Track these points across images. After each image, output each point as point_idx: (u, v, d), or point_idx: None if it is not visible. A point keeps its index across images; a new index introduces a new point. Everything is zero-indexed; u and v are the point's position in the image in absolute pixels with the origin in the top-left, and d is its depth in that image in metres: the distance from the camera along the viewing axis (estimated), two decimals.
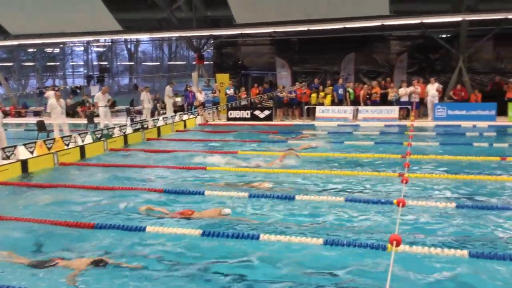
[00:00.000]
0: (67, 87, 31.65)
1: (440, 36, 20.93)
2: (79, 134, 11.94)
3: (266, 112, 20.31)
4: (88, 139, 12.20)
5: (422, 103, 19.19)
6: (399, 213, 4.01)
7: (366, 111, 19.27)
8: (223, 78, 23.15)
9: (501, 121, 17.00)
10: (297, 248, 5.18)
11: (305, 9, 18.81)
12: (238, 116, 20.50)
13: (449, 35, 21.44)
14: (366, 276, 4.56)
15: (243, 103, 21.11)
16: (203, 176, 9.17)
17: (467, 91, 19.24)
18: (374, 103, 19.54)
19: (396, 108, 18.83)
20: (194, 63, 26.32)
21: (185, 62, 35.81)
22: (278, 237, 5.40)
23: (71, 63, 38.35)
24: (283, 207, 6.85)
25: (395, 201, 5.33)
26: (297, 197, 7.12)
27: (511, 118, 17.19)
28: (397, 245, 3.03)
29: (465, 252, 4.96)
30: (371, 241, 5.28)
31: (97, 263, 4.81)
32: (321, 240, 5.25)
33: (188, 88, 22.61)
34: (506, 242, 5.45)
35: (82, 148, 11.61)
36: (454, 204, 6.69)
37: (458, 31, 19.65)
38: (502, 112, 17.42)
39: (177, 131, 16.82)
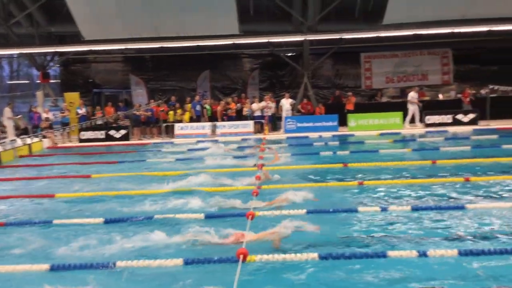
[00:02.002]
0: None
1: (286, 54, 22.50)
2: None
3: (122, 132, 19.55)
4: None
5: (275, 117, 20.32)
6: (248, 225, 4.10)
7: (224, 126, 19.74)
8: (73, 97, 21.72)
9: (342, 131, 18.74)
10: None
11: (155, 26, 18.71)
12: (91, 137, 19.37)
13: (294, 54, 23.13)
14: None
15: (97, 122, 20.06)
16: (49, 204, 8.42)
17: (313, 104, 20.90)
18: (230, 119, 20.13)
19: (251, 123, 19.63)
20: (38, 81, 24.28)
21: (28, 81, 32.79)
22: None
23: None
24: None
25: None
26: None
27: (351, 128, 19.04)
28: (244, 258, 3.08)
29: (315, 255, 5.29)
30: (219, 255, 5.28)
31: None
32: (180, 261, 5.14)
33: (33, 109, 20.72)
34: (359, 245, 5.88)
35: None
36: (304, 211, 7.11)
37: (301, 50, 21.31)
38: (343, 122, 19.23)
39: (20, 156, 15.25)
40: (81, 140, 19.28)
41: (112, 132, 19.51)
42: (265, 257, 5.17)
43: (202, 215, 7.04)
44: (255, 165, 10.79)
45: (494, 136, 15.20)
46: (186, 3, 18.57)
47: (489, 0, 17.99)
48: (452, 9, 18.41)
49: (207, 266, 5.09)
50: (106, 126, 19.98)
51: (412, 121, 19.14)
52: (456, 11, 18.48)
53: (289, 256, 5.22)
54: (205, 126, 19.76)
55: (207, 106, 20.41)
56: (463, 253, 5.14)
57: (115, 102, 22.11)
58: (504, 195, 7.71)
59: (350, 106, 20.21)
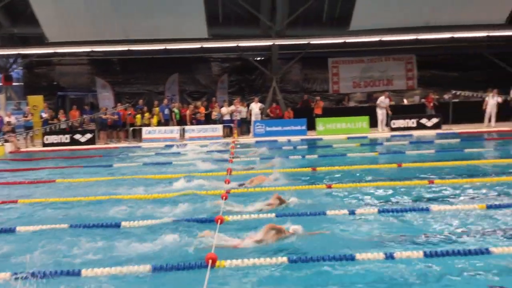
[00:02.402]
0: None
1: (255, 58, 22.57)
2: None
3: (88, 136, 19.14)
4: None
5: (244, 120, 20.36)
6: (217, 230, 4.08)
7: (193, 130, 19.63)
8: (37, 100, 21.14)
9: (311, 135, 18.94)
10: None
11: (123, 29, 18.46)
12: (56, 141, 18.88)
13: (263, 58, 23.24)
14: None
15: (62, 126, 19.57)
16: (11, 210, 8.14)
17: (281, 109, 21.04)
18: (199, 123, 20.03)
19: (220, 127, 19.59)
20: (0, 84, 23.50)
21: None
22: None
23: None
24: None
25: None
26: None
27: (319, 132, 19.25)
28: (213, 263, 3.06)
29: (285, 259, 5.31)
30: (188, 260, 5.23)
31: None
32: (148, 267, 5.06)
33: None
34: (328, 247, 5.92)
35: None
36: (274, 215, 7.13)
37: (270, 54, 21.44)
38: (311, 126, 19.42)
39: None
40: (45, 145, 18.76)
41: (77, 136, 19.07)
42: (234, 262, 5.15)
43: (170, 220, 6.95)
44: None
45: (457, 140, 15.68)
46: (155, 6, 18.41)
47: (451, 8, 18.57)
48: (416, 17, 18.92)
49: (176, 272, 5.02)
50: (71, 130, 19.51)
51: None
52: (420, 18, 19.00)
53: (258, 261, 5.22)
54: (174, 130, 19.58)
55: (176, 110, 20.24)
56: (429, 255, 5.27)
57: (81, 105, 21.66)
58: (466, 197, 7.95)
59: (318, 111, 20.44)
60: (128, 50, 20.58)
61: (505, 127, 18.35)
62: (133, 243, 6.04)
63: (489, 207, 7.12)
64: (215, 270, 4.84)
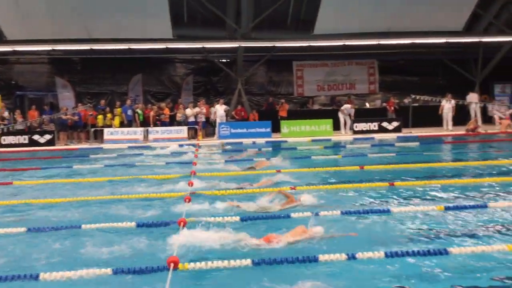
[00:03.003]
0: None
1: (220, 60, 22.50)
2: None
3: (47, 137, 18.59)
4: None
5: (209, 122, 20.28)
6: (180, 233, 4.03)
7: (157, 132, 19.38)
8: None
9: (275, 137, 19.05)
10: None
11: (85, 28, 18.06)
12: (13, 142, 18.24)
13: (228, 60, 23.20)
14: None
15: (19, 127, 18.93)
16: None
17: (247, 111, 21.07)
18: (163, 124, 19.80)
19: (185, 128, 19.43)
20: None
21: None
22: None
23: None
24: None
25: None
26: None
27: (283, 134, 19.40)
28: (175, 266, 3.02)
29: (249, 261, 5.31)
30: (149, 264, 5.15)
31: None
32: (109, 270, 4.94)
33: None
34: (291, 250, 5.95)
35: None
36: (238, 218, 7.12)
37: (235, 56, 21.43)
38: (276, 129, 19.55)
39: None
40: (2, 145, 18.08)
41: (36, 137, 18.50)
42: (198, 265, 5.11)
43: (133, 224, 6.83)
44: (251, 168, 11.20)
45: (416, 143, 16.13)
46: (119, 6, 18.08)
47: (412, 15, 19.11)
48: (378, 22, 19.37)
49: (137, 276, 4.93)
50: (29, 131, 18.90)
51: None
52: (381, 24, 19.46)
53: (222, 263, 5.19)
54: (137, 132, 19.29)
55: (139, 111, 19.95)
56: (389, 255, 5.38)
57: (40, 105, 21.01)
58: (426, 199, 8.18)
59: (283, 113, 20.60)
60: (91, 49, 20.14)
61: (461, 131, 19.04)
62: (94, 246, 5.89)
63: (447, 208, 7.35)
64: (178, 273, 4.79)
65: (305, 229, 5.98)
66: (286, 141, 18.01)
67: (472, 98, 20.71)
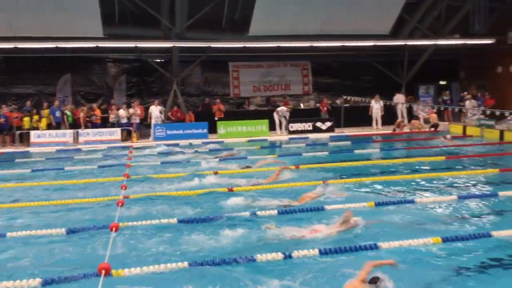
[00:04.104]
0: None
1: (155, 60, 22.05)
2: None
3: None
4: None
5: (143, 124, 19.82)
6: (111, 238, 3.90)
7: (88, 134, 18.67)
8: None
9: (212, 138, 18.96)
10: None
11: (9, 25, 17.02)
12: None
13: (163, 60, 22.78)
14: None
15: None
16: None
17: (183, 112, 20.82)
18: (95, 126, 19.10)
19: (118, 130, 18.86)
20: None
21: None
22: None
23: None
24: None
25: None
26: None
27: (220, 135, 19.37)
28: (106, 273, 2.92)
29: (186, 264, 5.24)
30: (81, 272, 4.95)
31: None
32: (37, 281, 4.68)
33: None
34: (230, 250, 5.95)
35: None
36: (175, 220, 7.01)
37: (170, 57, 21.09)
38: (212, 130, 19.47)
39: None
40: None
41: None
42: (133, 270, 4.98)
43: (63, 230, 6.53)
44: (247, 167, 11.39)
45: (348, 143, 16.72)
46: (46, 2, 17.17)
47: (343, 19, 19.76)
48: (311, 25, 19.85)
49: (68, 284, 4.73)
50: None
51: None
52: (314, 27, 19.96)
53: (159, 267, 5.10)
54: (66, 134, 18.46)
55: (68, 112, 19.12)
56: (323, 252, 5.55)
57: None
58: (357, 196, 8.49)
59: (219, 114, 20.56)
60: (15, 47, 18.94)
61: (389, 129, 20.00)
62: (21, 255, 5.58)
63: (377, 204, 7.68)
64: (112, 280, 4.64)
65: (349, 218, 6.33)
66: (222, 142, 17.98)
67: (399, 99, 21.78)
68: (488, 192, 8.67)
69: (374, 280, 4.43)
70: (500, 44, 21.37)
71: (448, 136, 16.98)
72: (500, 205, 7.80)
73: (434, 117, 19.93)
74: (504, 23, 21.13)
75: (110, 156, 14.93)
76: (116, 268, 4.86)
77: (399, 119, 20.72)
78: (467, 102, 20.35)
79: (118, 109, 19.71)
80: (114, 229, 4.24)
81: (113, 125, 19.17)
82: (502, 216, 7.08)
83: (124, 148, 16.76)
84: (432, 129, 19.47)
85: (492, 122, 17.91)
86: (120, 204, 5.52)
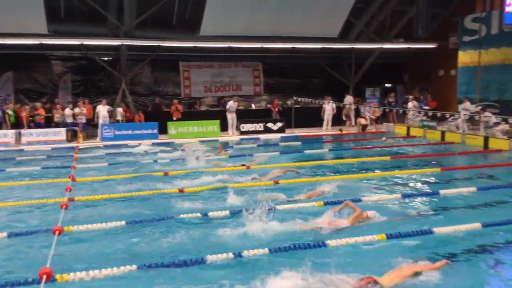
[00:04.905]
0: None
1: (102, 58, 21.42)
2: None
3: None
4: None
5: (89, 124, 19.23)
6: (54, 241, 3.76)
7: (31, 134, 17.89)
8: None
9: (163, 139, 18.66)
10: None
11: None
12: None
13: (111, 58, 22.19)
14: None
15: None
16: None
17: (131, 111, 20.37)
18: (38, 126, 18.34)
19: (63, 130, 18.20)
20: None
21: None
22: None
23: None
24: None
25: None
26: None
27: (171, 136, 19.09)
28: (48, 278, 2.80)
29: (134, 267, 5.13)
30: (22, 277, 4.75)
31: None
32: None
33: None
34: (180, 252, 5.88)
35: None
36: (123, 222, 6.85)
37: (119, 55, 20.58)
38: (163, 130, 19.15)
39: None
40: None
41: None
42: (78, 275, 4.83)
43: (4, 234, 6.23)
44: (243, 165, 11.54)
45: (298, 143, 16.97)
46: None
47: (293, 21, 20.01)
48: (261, 26, 19.97)
49: None
50: None
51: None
52: (265, 28, 20.10)
53: (105, 271, 4.97)
54: (8, 134, 17.60)
55: (10, 112, 18.23)
56: (273, 251, 5.62)
57: None
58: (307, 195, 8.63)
59: (177, 114, 20.28)
60: None
61: (337, 130, 20.47)
62: None
63: (326, 204, 7.86)
64: (55, 285, 4.48)
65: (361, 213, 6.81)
66: (173, 143, 17.74)
67: (348, 100, 22.33)
68: (431, 191, 9.06)
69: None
70: (442, 48, 22.39)
71: (383, 138, 17.94)
72: (442, 202, 8.18)
73: (362, 121, 20.73)
74: (446, 29, 22.15)
75: (55, 157, 14.38)
76: (60, 273, 4.71)
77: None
78: (409, 104, 21.19)
79: (63, 108, 19.01)
80: (57, 232, 4.08)
81: (58, 125, 18.48)
82: (443, 214, 7.42)
83: (69, 149, 16.19)
84: (361, 129, 20.39)
85: (434, 123, 18.75)
86: (64, 206, 5.34)
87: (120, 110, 19.62)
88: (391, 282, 4.69)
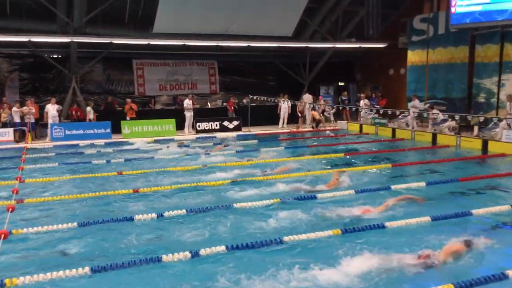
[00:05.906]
0: None
1: (51, 56, 20.68)
2: None
3: None
4: None
5: (38, 123, 18.54)
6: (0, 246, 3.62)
7: None
8: None
9: (116, 138, 18.24)
10: None
11: None
12: None
13: (60, 56, 21.44)
14: None
15: None
16: None
17: (83, 111, 19.79)
18: None
19: (10, 130, 17.45)
20: None
21: None
22: None
23: None
24: None
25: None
26: None
27: (125, 135, 18.68)
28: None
29: (87, 269, 5.02)
30: None
31: None
32: None
33: None
34: (135, 252, 5.78)
35: None
36: (75, 224, 6.67)
37: (69, 52, 19.92)
38: (116, 129, 18.69)
39: None
40: None
41: None
42: (28, 278, 4.67)
43: None
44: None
45: (255, 141, 17.05)
46: None
47: (248, 20, 20.05)
48: (216, 24, 19.91)
49: None
50: None
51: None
52: (219, 26, 20.05)
53: (57, 274, 4.84)
54: None
55: None
56: (230, 248, 5.65)
57: None
58: (264, 194, 8.71)
59: (131, 114, 19.83)
60: None
61: (294, 128, 20.75)
62: None
63: (283, 202, 7.97)
64: None
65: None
66: (127, 142, 17.39)
67: (307, 98, 22.62)
68: (382, 186, 9.35)
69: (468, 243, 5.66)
70: (392, 48, 23.11)
71: (328, 132, 18.67)
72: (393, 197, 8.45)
73: (315, 114, 21.14)
74: (396, 29, 22.86)
75: (0, 158, 13.77)
76: (9, 277, 4.55)
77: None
78: (361, 102, 21.75)
79: (10, 107, 18.22)
80: (2, 236, 3.92)
81: (5, 125, 17.69)
82: (394, 208, 7.67)
83: (17, 149, 15.55)
84: (315, 125, 20.87)
85: (385, 121, 19.34)
86: (10, 209, 5.12)
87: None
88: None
